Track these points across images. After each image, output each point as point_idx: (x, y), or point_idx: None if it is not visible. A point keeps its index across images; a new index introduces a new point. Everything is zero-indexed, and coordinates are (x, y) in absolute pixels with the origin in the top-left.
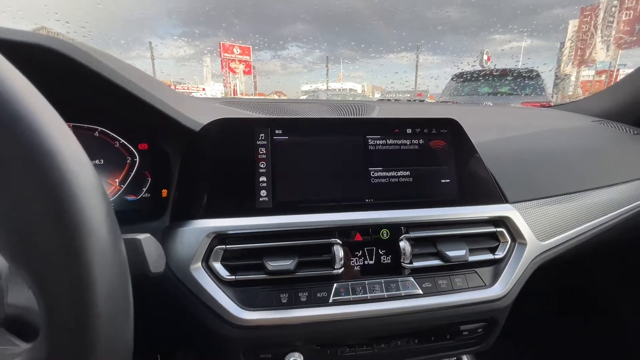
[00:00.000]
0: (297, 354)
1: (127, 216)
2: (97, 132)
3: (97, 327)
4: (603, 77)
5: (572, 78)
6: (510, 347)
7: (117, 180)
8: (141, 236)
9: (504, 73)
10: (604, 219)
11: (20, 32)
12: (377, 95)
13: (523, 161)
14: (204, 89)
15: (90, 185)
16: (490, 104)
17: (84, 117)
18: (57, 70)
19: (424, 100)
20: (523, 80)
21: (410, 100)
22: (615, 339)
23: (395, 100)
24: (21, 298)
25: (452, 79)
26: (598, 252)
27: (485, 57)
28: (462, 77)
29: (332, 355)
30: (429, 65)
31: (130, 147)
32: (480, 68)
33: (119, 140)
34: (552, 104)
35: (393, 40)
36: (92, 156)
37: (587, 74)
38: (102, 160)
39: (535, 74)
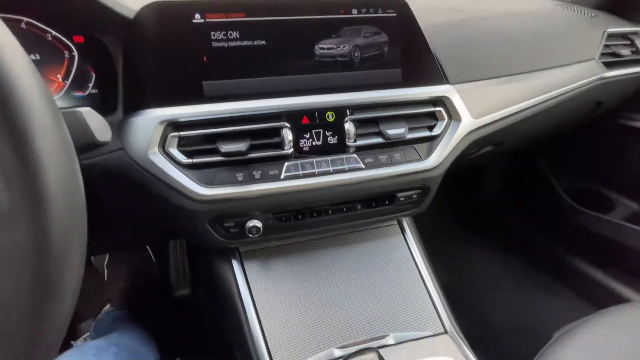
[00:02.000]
0: (256, 221)
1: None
2: (23, 23)
3: (46, 177)
4: None
5: None
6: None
7: (59, 76)
8: (81, 109)
9: None
10: (540, 99)
11: None
12: None
13: (468, 43)
14: None
15: (20, 56)
16: None
17: (6, 7)
18: None
19: None
20: None
21: None
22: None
23: None
24: None
25: None
26: (540, 140)
27: None
28: None
29: (286, 221)
30: None
31: (65, 39)
32: None
33: (50, 33)
34: None
35: None
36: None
37: None
38: (37, 55)
39: None
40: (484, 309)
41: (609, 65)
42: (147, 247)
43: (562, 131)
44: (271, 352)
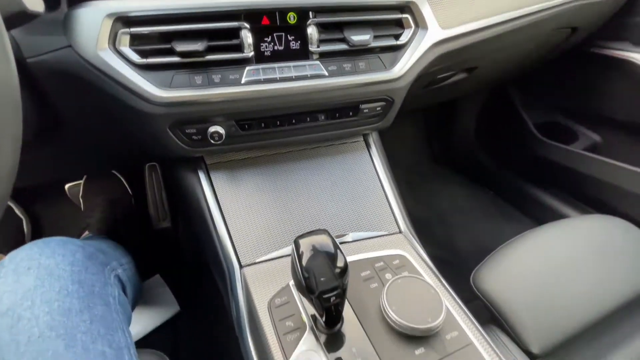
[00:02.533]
0: (218, 127)
1: (20, 17)
2: None
3: None
4: None
5: None
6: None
7: None
8: None
9: None
10: (513, 15)
11: None
12: None
13: None
14: None
15: None
16: None
17: None
18: None
19: None
20: None
21: None
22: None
23: None
24: None
25: None
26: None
27: None
28: None
29: (249, 129)
30: None
31: None
32: None
33: None
34: None
35: None
36: None
37: None
38: None
39: None
40: (450, 235)
41: None
42: (123, 181)
43: (537, 60)
44: (237, 251)
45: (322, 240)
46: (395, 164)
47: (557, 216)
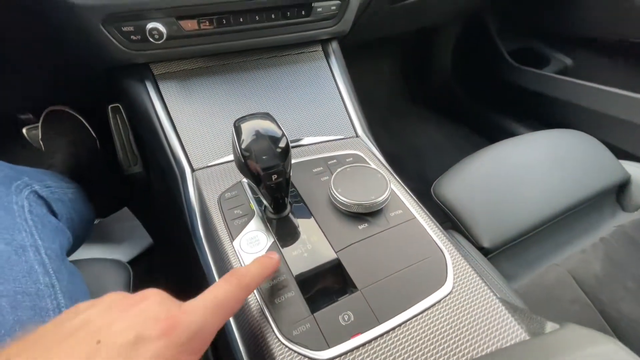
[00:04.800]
0: (157, 23)
1: None
2: None
3: None
4: None
5: None
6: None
7: None
8: None
9: None
10: None
11: None
12: None
13: None
14: None
15: None
16: None
17: None
18: None
19: None
20: None
21: None
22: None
23: None
24: None
25: None
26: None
27: None
28: None
29: (192, 29)
30: None
31: None
32: None
33: None
34: None
35: None
36: None
37: None
38: None
39: None
40: (422, 168)
41: None
42: (85, 123)
43: None
44: (189, 156)
45: (263, 124)
46: (371, 103)
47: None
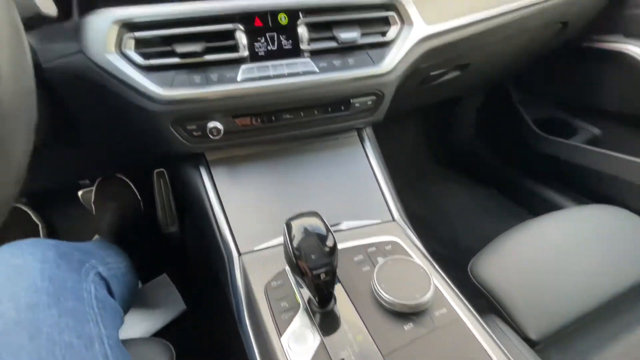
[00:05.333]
0: (216, 122)
1: (36, 20)
2: None
3: None
4: None
5: None
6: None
7: None
8: None
9: None
10: (499, 11)
11: None
12: None
13: None
14: None
15: None
16: None
17: None
18: None
19: None
20: None
21: None
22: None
23: None
24: None
25: None
26: (509, 70)
27: None
28: None
29: (245, 125)
30: None
31: None
32: None
33: None
34: None
35: None
36: None
37: None
38: None
39: None
40: (452, 233)
41: None
42: (133, 187)
43: (531, 56)
44: (236, 240)
45: (312, 222)
46: (395, 165)
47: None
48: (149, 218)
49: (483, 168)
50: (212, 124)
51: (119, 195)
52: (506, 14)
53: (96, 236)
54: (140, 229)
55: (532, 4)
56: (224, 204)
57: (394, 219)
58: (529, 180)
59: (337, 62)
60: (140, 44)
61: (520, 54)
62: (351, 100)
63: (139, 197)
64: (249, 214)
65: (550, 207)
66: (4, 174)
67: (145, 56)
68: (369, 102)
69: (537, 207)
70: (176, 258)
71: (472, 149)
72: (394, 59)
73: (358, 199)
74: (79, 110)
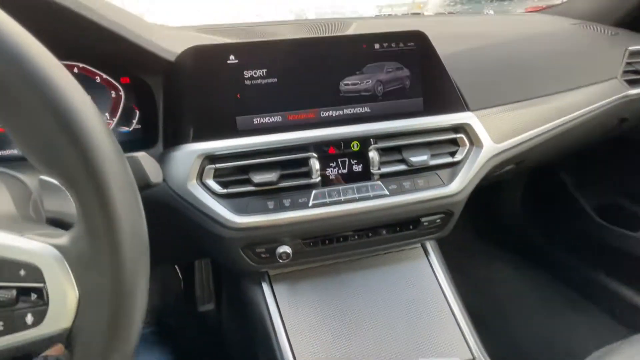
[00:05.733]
0: (286, 247)
1: (123, 147)
2: (76, 68)
3: (118, 211)
4: None
5: None
6: (475, 241)
7: (106, 114)
8: (138, 154)
9: None
10: (559, 122)
11: None
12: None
13: (487, 69)
14: None
15: (89, 106)
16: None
17: (62, 53)
18: (35, 9)
19: (419, 14)
20: None
21: (404, 15)
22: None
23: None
24: (54, 205)
25: None
26: (562, 157)
27: None
28: None
29: (314, 247)
30: None
31: (113, 81)
32: None
33: (101, 75)
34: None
35: None
36: None
37: None
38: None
39: None
40: (512, 331)
41: (631, 83)
42: (177, 268)
43: (585, 147)
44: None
45: None
46: (442, 244)
47: (634, 313)
48: (187, 294)
49: (533, 250)
50: (281, 249)
51: (163, 276)
52: (570, 121)
53: None
54: (178, 311)
55: (594, 109)
56: (287, 329)
57: (474, 357)
58: (589, 268)
59: (406, 183)
60: (218, 172)
61: (576, 147)
62: (421, 219)
63: (180, 276)
64: (312, 340)
65: (617, 301)
66: (127, 341)
67: (223, 185)
68: (438, 220)
69: (601, 300)
70: (212, 338)
71: (522, 230)
72: (465, 179)
73: (431, 329)
74: (153, 232)
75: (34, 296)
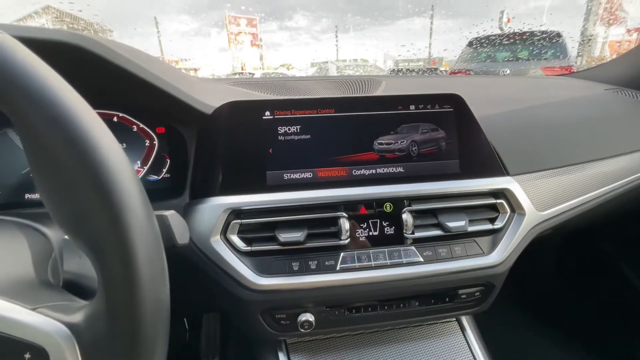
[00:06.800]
0: (308, 315)
1: (150, 195)
2: (116, 117)
3: (142, 287)
4: (634, 35)
5: (600, 38)
6: (509, 308)
7: (138, 162)
8: (168, 213)
9: (522, 36)
10: (605, 190)
11: (44, 29)
12: (389, 64)
13: (526, 133)
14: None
15: (127, 171)
16: (508, 71)
17: (104, 104)
18: (80, 64)
19: (437, 69)
20: (543, 43)
21: (420, 72)
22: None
23: (405, 71)
24: (73, 266)
25: (467, 45)
26: (602, 222)
27: (505, 18)
28: (478, 42)
29: (339, 316)
30: (444, 30)
31: (149, 130)
32: (500, 32)
33: (138, 125)
34: (573, 68)
35: (406, 4)
36: None
37: (618, 32)
38: (124, 144)
39: (554, 34)
40: None
41: None
42: (184, 320)
43: (627, 213)
44: None
45: None
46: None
47: None
48: (192, 346)
49: (575, 323)
50: (303, 317)
51: (171, 327)
52: (615, 189)
53: None
54: None
55: (636, 178)
56: None
57: None
58: (633, 340)
59: (442, 250)
60: (244, 229)
61: (619, 214)
62: (458, 292)
63: (186, 326)
64: None
65: None
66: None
67: (247, 241)
68: (477, 294)
69: None
70: None
71: (557, 299)
72: (507, 248)
73: None
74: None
75: None
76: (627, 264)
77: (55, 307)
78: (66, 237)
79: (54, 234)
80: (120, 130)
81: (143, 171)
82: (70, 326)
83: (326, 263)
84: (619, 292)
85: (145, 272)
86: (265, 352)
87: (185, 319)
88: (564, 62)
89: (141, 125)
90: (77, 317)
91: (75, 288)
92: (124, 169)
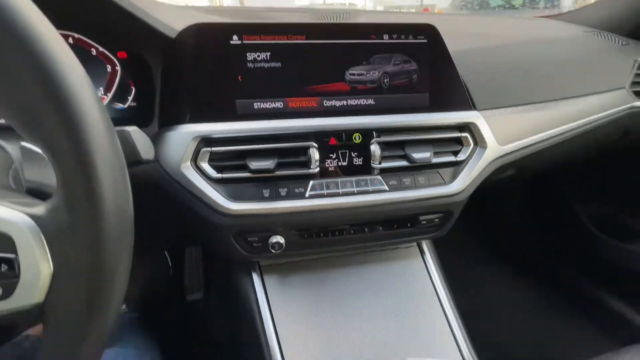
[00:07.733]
0: (279, 237)
1: (117, 123)
2: (71, 38)
3: (103, 194)
4: None
5: None
6: (470, 245)
7: (101, 88)
8: (130, 128)
9: None
10: (566, 127)
11: None
12: (380, 10)
13: (497, 70)
14: None
15: (84, 80)
16: None
17: (58, 21)
18: None
19: None
20: None
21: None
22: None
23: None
24: (34, 175)
25: None
26: (563, 164)
27: None
28: None
29: (308, 239)
30: None
31: (109, 54)
32: None
33: (97, 48)
34: None
35: None
36: None
37: None
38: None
39: None
40: (504, 338)
41: (639, 94)
42: (167, 255)
43: (586, 158)
44: (284, 356)
45: None
46: (436, 243)
47: (626, 326)
48: (175, 282)
49: (531, 260)
50: (274, 239)
51: (151, 264)
52: (577, 128)
53: (123, 306)
54: (165, 299)
55: (600, 117)
56: (275, 322)
57: (463, 359)
58: (583, 280)
59: (407, 179)
60: (214, 156)
61: (577, 157)
62: (419, 218)
63: (169, 262)
64: (301, 334)
65: (608, 313)
66: (103, 325)
67: (218, 169)
68: (436, 220)
69: (590, 310)
70: (199, 328)
71: (518, 238)
72: (466, 179)
73: (421, 329)
74: (141, 213)
75: (4, 267)
76: (581, 205)
77: (18, 202)
78: (23, 144)
79: (13, 147)
80: (77, 53)
81: (107, 98)
82: (33, 216)
83: (296, 190)
84: (570, 231)
85: (103, 168)
86: (240, 274)
87: (167, 255)
88: (556, 10)
89: (100, 49)
90: (40, 209)
91: (37, 194)
92: (75, 68)
